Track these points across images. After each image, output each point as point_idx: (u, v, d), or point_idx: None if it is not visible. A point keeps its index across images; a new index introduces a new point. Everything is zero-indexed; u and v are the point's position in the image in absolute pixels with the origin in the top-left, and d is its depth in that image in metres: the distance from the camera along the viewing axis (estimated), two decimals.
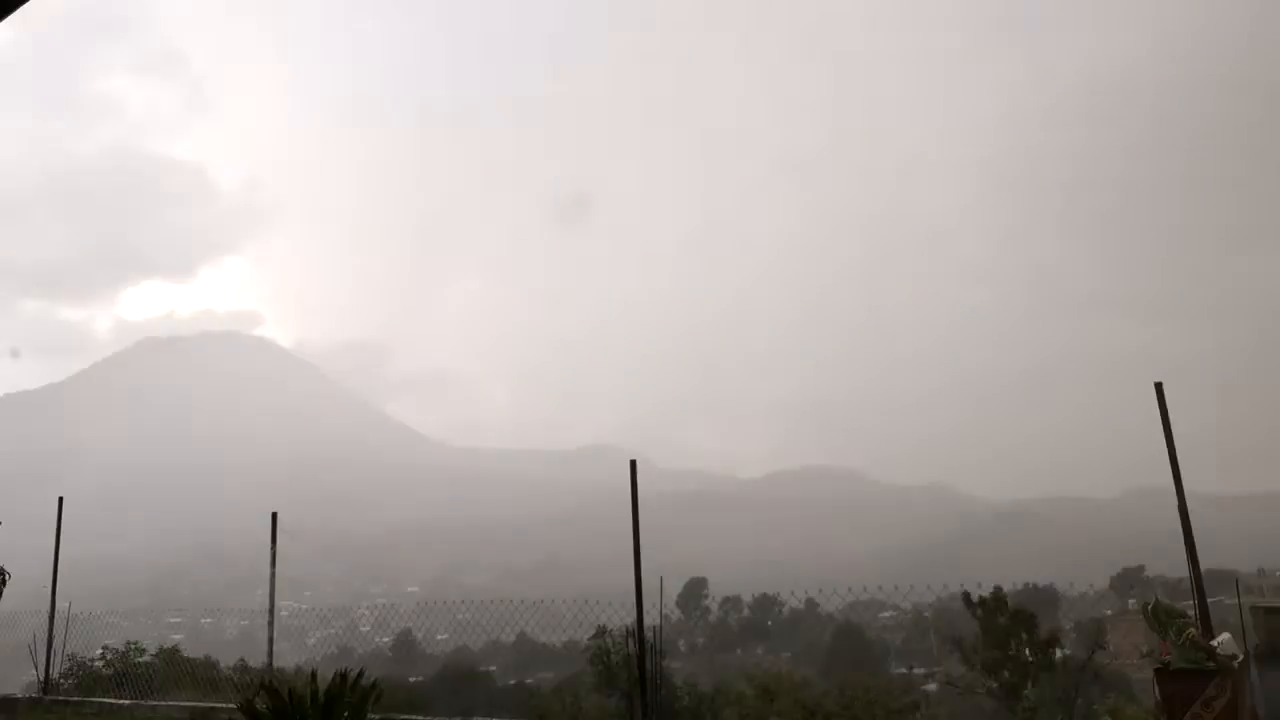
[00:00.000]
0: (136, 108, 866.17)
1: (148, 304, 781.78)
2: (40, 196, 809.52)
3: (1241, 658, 6.53)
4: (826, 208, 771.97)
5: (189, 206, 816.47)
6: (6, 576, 9.06)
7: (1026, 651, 9.10)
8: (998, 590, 9.79)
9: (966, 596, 9.56)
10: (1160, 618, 6.72)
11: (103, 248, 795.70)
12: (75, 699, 13.76)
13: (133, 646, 16.04)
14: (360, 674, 8.05)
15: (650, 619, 9.90)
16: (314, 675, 7.85)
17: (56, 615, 14.28)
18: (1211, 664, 6.25)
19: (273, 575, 12.18)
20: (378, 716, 8.54)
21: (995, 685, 9.10)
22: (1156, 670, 6.48)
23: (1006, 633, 9.41)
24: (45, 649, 13.98)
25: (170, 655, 16.74)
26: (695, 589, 63.97)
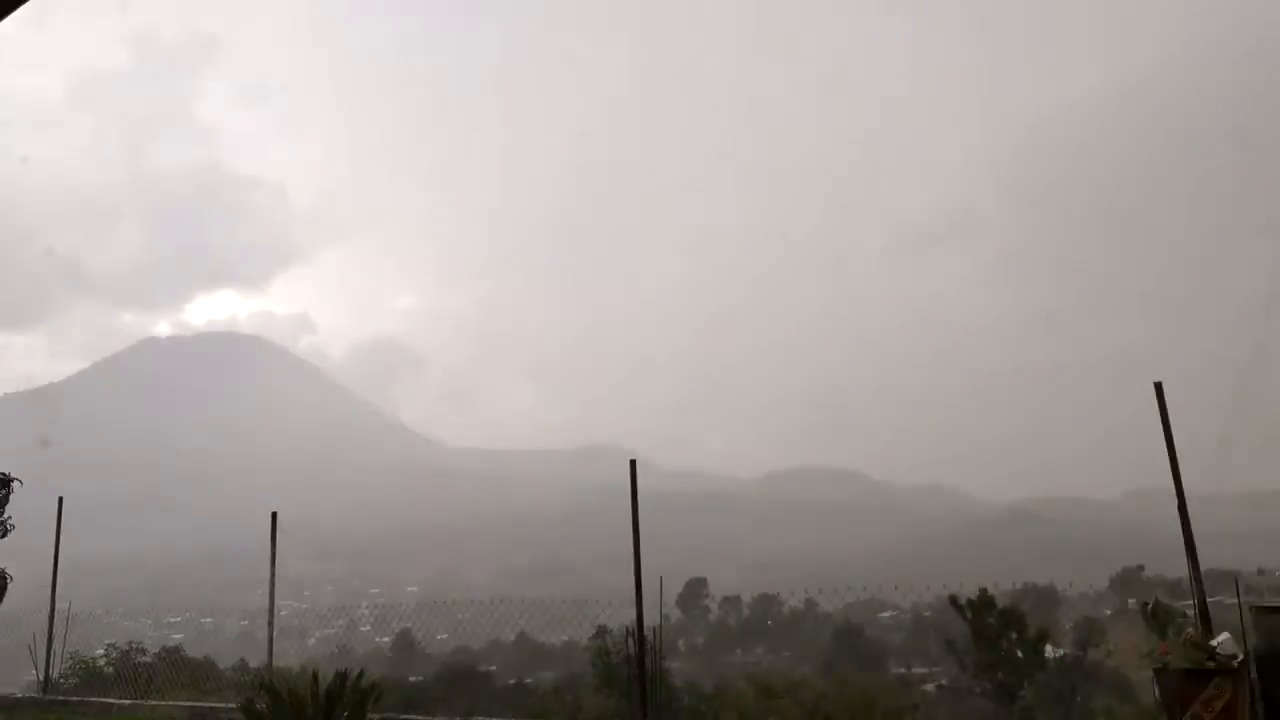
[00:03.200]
0: (224, 128, 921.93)
1: (213, 310, 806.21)
2: (126, 209, 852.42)
3: (1241, 658, 6.53)
4: (829, 208, 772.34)
5: (267, 221, 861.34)
6: (9, 580, 9.04)
7: (1018, 651, 9.11)
8: (984, 592, 9.84)
9: (953, 599, 9.56)
10: (1160, 618, 6.74)
11: (179, 258, 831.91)
12: (75, 699, 13.78)
13: (134, 646, 16.06)
14: (360, 674, 8.07)
15: (650, 619, 9.92)
16: (315, 675, 7.86)
17: (56, 615, 14.29)
18: (1211, 664, 6.26)
19: (273, 575, 12.19)
20: (378, 716, 8.55)
21: (990, 686, 9.10)
22: (1156, 670, 6.48)
23: (997, 633, 9.43)
24: (45, 649, 14.00)
25: (171, 655, 16.76)
26: (695, 589, 63.95)
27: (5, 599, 9.21)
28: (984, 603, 9.80)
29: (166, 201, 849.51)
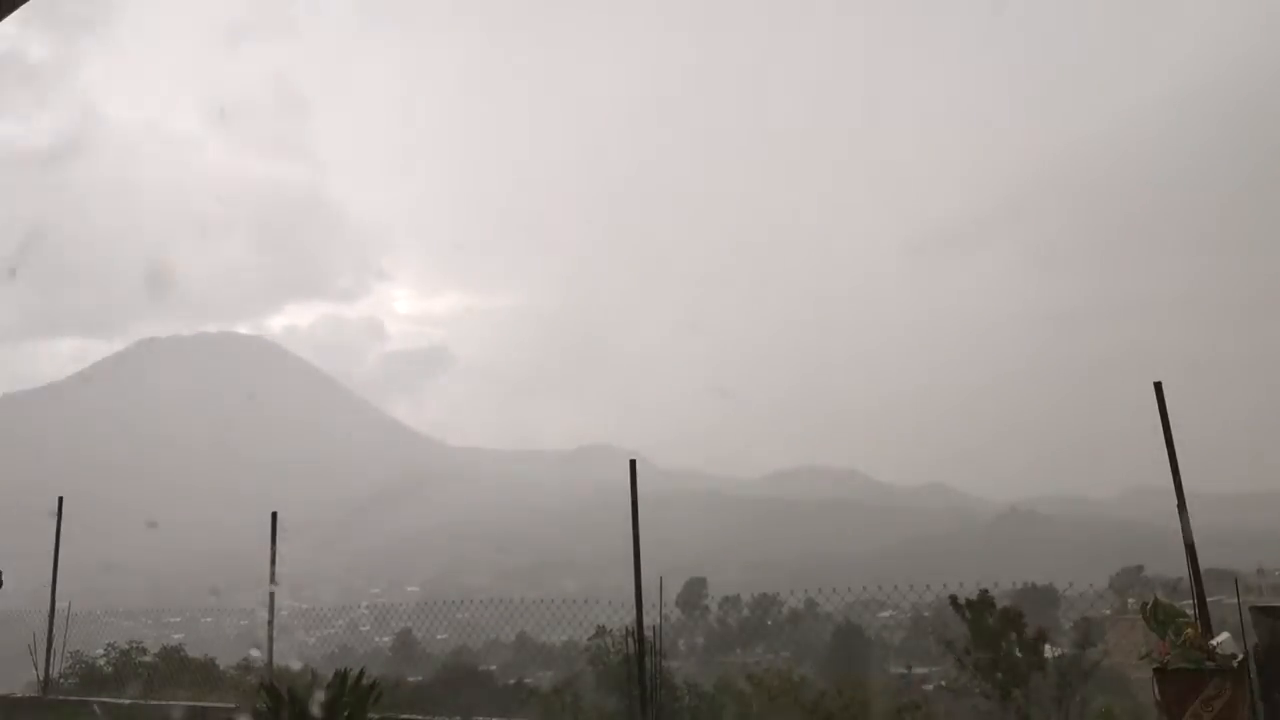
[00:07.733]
0: (332, 157, 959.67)
1: (295, 319, 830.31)
2: (224, 227, 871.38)
3: (1241, 657, 6.53)
4: (833, 210, 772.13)
5: (352, 235, 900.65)
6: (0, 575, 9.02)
7: (1017, 651, 9.08)
8: (984, 592, 9.81)
9: (953, 599, 9.56)
10: (1159, 617, 6.73)
11: (270, 274, 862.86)
12: (75, 698, 13.78)
13: (134, 646, 16.06)
14: (360, 673, 8.07)
15: (650, 619, 9.92)
16: (314, 675, 7.86)
17: (56, 615, 14.29)
18: (1211, 664, 6.26)
19: (273, 575, 12.19)
20: (378, 716, 8.55)
21: (989, 686, 9.06)
22: (1156, 670, 6.47)
23: (996, 633, 9.38)
24: (45, 649, 14.00)
25: (171, 655, 16.76)
26: (695, 589, 63.81)
27: (5, 599, 9.21)
28: (983, 603, 9.76)
29: (264, 219, 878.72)
